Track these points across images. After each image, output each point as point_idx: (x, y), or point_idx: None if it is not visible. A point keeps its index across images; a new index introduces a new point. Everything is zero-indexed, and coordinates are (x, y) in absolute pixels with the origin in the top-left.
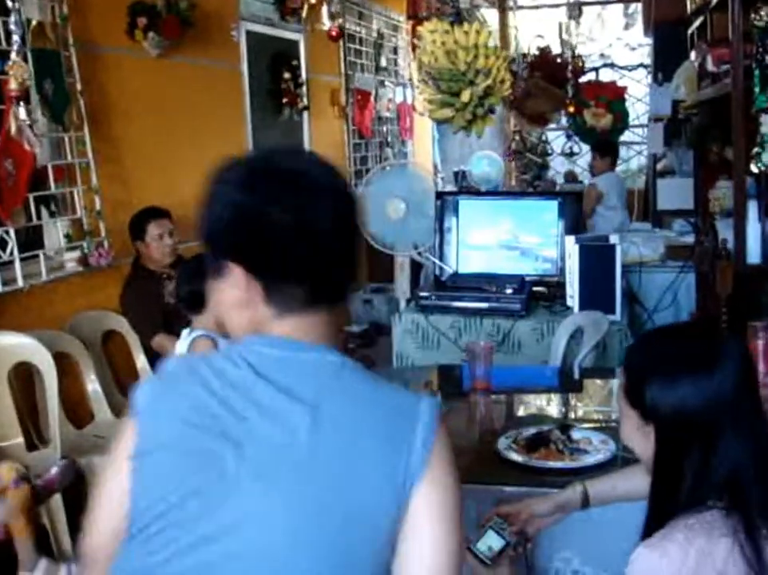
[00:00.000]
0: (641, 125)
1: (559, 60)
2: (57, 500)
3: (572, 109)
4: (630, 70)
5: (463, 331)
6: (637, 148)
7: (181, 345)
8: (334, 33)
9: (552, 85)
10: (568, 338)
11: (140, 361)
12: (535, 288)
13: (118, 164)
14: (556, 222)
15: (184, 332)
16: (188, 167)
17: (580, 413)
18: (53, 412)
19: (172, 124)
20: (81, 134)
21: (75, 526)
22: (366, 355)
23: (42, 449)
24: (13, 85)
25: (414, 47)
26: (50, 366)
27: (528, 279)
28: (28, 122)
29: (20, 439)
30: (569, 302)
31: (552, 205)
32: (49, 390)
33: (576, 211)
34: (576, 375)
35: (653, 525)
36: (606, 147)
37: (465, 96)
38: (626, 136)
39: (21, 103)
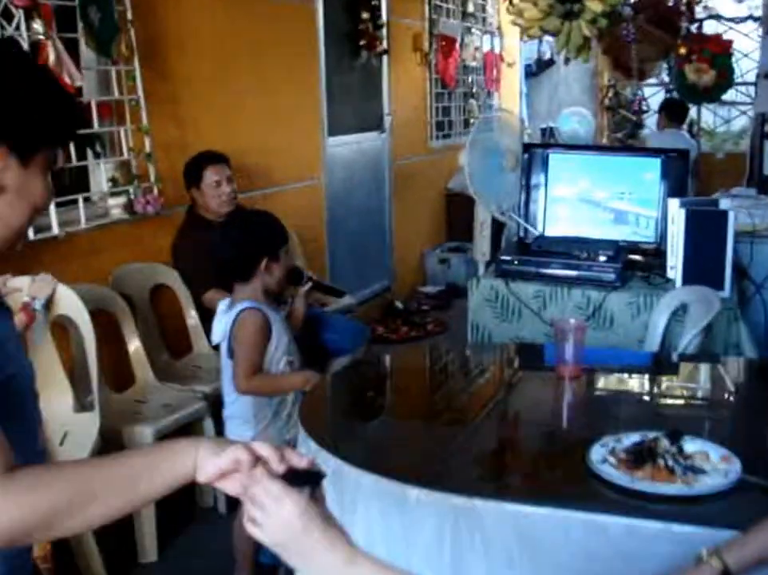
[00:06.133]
0: (745, 83)
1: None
2: None
3: (683, 51)
4: (737, 22)
5: (548, 302)
6: (741, 108)
7: (221, 320)
8: None
9: (658, 29)
10: (670, 316)
11: (192, 317)
12: (630, 256)
13: (172, 103)
14: (658, 183)
15: (222, 305)
16: (251, 110)
17: (664, 386)
18: (93, 374)
19: (235, 61)
20: (130, 68)
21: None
22: (439, 319)
23: (83, 414)
24: None
25: None
26: (87, 322)
27: (622, 245)
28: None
29: (69, 400)
30: (669, 273)
31: (654, 163)
32: (88, 347)
33: (681, 171)
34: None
35: None
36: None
37: (596, 5)
38: (729, 95)
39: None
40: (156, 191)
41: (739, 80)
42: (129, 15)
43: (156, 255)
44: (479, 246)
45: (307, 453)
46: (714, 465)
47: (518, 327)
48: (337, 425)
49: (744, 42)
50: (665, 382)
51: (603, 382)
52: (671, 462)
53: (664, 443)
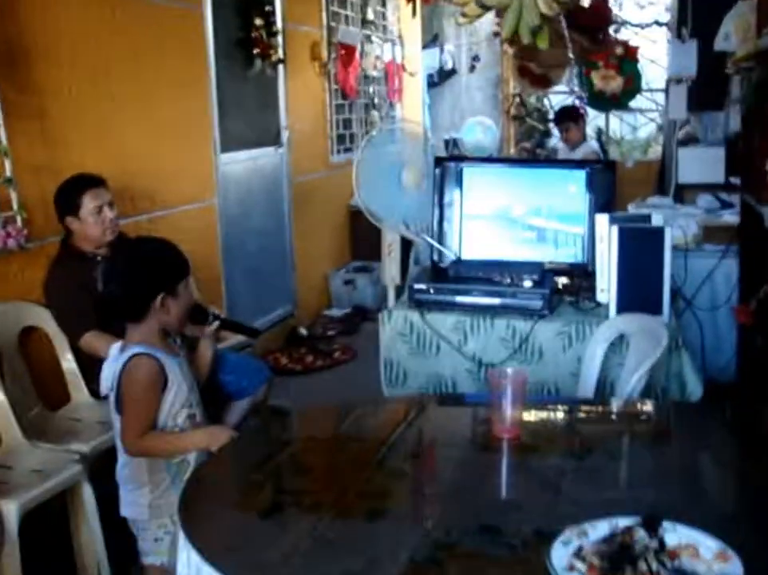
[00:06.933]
0: (652, 90)
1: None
2: None
3: (619, 50)
4: (643, 28)
5: (469, 334)
6: (650, 115)
7: (110, 367)
8: None
9: (575, 31)
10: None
11: (68, 362)
12: (556, 278)
13: (40, 120)
14: (584, 197)
15: (114, 349)
16: (133, 126)
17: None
18: None
19: (113, 72)
20: None
21: None
22: (347, 346)
23: None
24: None
25: None
26: None
27: (548, 267)
28: None
29: None
30: (600, 297)
31: (579, 176)
32: None
33: (607, 183)
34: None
35: None
36: (573, 113)
37: None
38: (636, 102)
39: None
40: (19, 221)
41: (646, 87)
42: None
43: (25, 293)
44: (387, 269)
45: (186, 567)
46: (709, 566)
47: (436, 363)
48: (230, 524)
49: (650, 49)
50: (619, 440)
51: (546, 444)
52: (655, 566)
53: (641, 536)
